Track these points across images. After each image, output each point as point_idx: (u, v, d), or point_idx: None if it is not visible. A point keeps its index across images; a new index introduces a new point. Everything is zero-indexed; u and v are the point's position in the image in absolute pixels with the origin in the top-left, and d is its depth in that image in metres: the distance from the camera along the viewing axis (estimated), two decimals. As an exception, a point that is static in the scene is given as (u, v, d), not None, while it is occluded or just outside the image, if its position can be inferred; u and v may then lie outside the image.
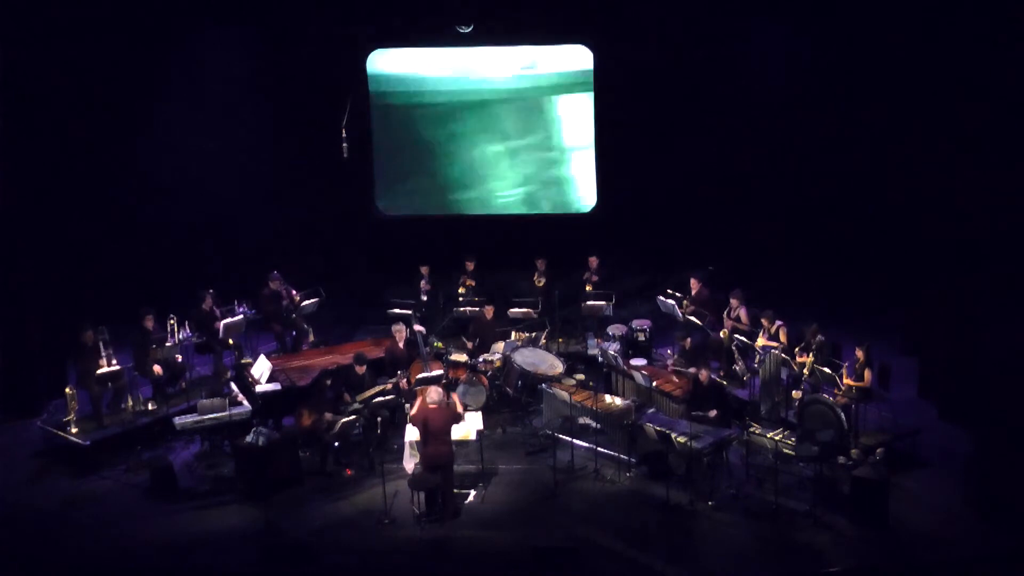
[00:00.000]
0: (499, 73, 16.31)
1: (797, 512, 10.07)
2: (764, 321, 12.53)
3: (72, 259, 13.89)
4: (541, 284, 14.71)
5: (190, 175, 15.96)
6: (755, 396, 12.26)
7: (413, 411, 10.59)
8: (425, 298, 14.76)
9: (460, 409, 10.76)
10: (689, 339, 12.98)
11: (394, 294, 14.68)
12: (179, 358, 12.92)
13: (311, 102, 15.94)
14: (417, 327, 12.87)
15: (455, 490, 10.52)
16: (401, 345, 12.71)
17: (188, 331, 13.02)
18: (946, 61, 11.66)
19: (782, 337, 12.36)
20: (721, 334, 12.99)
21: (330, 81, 15.87)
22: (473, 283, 14.77)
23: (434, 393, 10.52)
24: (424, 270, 14.98)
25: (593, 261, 14.86)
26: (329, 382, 11.58)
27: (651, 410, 11.87)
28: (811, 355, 11.70)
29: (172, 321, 12.83)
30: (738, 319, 12.97)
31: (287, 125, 16.14)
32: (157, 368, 12.37)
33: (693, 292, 13.65)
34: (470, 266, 14.94)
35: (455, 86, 16.41)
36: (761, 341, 12.40)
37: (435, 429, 10.18)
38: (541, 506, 10.56)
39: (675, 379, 12.40)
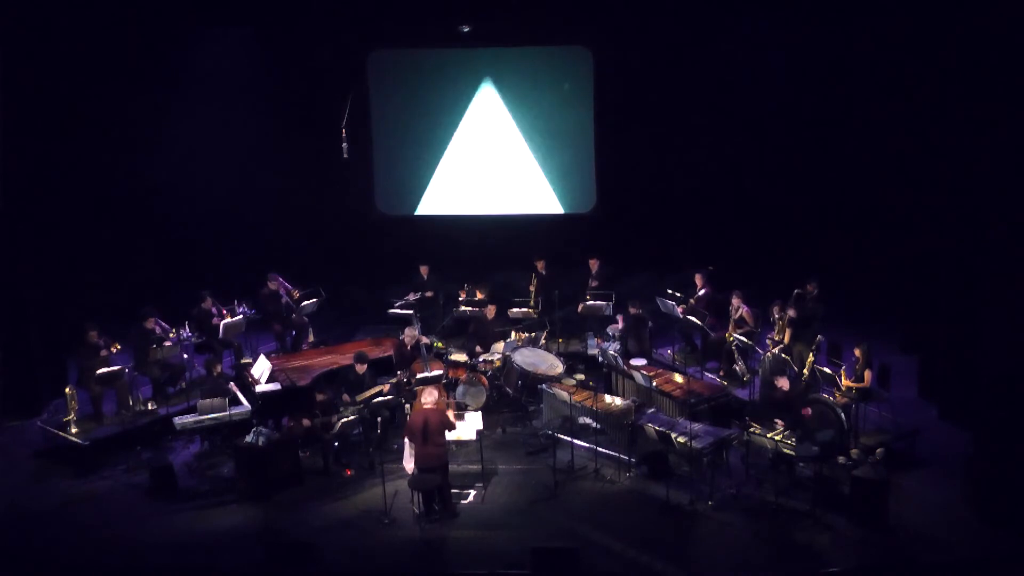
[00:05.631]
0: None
1: (797, 512, 10.08)
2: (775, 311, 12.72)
3: (72, 259, 13.91)
4: (535, 302, 14.53)
5: (190, 175, 16.00)
6: (755, 396, 12.26)
7: (410, 412, 10.59)
8: (419, 294, 14.67)
9: (452, 418, 10.76)
10: (639, 309, 13.27)
11: (394, 294, 14.68)
12: (186, 357, 12.90)
13: (311, 102, 15.96)
14: (424, 339, 12.86)
15: (453, 490, 10.52)
16: (409, 348, 12.70)
17: (188, 331, 13.03)
18: (946, 61, 11.67)
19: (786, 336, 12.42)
20: (727, 336, 12.99)
21: (330, 81, 15.89)
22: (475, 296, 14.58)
23: (429, 394, 10.52)
24: (423, 270, 14.94)
25: (594, 264, 14.84)
26: (321, 397, 11.59)
27: (651, 410, 11.87)
28: (811, 354, 11.73)
29: (174, 333, 12.84)
30: (741, 320, 12.97)
31: (287, 125, 16.16)
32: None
33: (698, 288, 13.67)
34: (479, 294, 14.45)
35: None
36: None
37: (430, 430, 10.18)
38: (541, 506, 10.55)
39: (675, 379, 12.39)
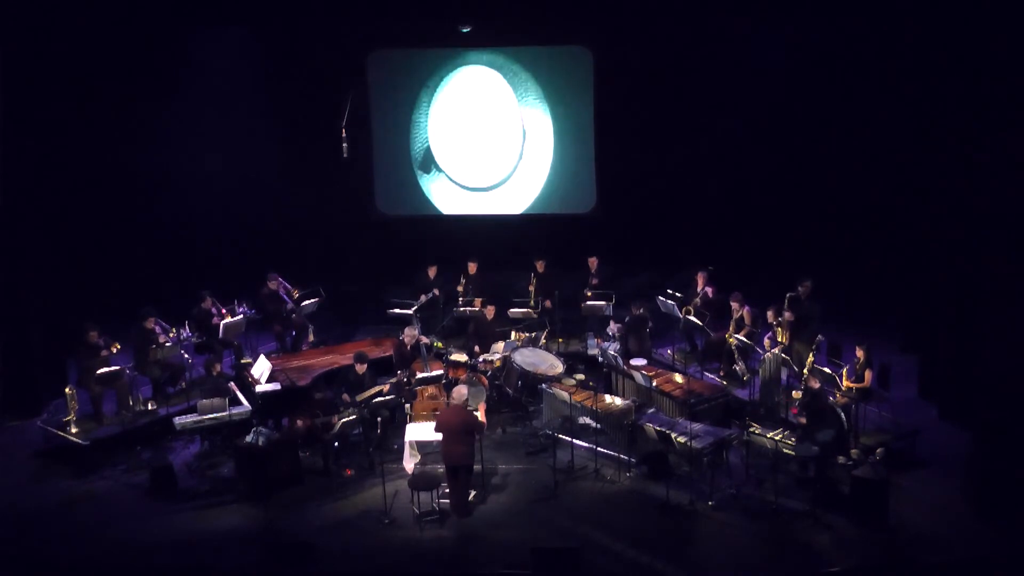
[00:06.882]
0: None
1: (797, 512, 10.08)
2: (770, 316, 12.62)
3: (72, 259, 13.90)
4: (535, 302, 14.54)
5: (190, 175, 16.00)
6: (755, 396, 12.26)
7: (438, 411, 10.62)
8: (429, 295, 14.66)
9: (481, 417, 10.71)
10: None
11: (394, 294, 14.67)
12: (186, 357, 12.92)
13: (311, 102, 15.95)
14: (424, 340, 12.86)
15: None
16: (409, 348, 12.69)
17: (188, 331, 13.03)
18: (947, 59, 11.66)
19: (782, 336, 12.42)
20: (727, 337, 12.98)
21: (330, 81, 15.88)
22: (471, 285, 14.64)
23: (457, 392, 10.52)
24: (431, 272, 14.90)
25: (593, 262, 14.84)
26: (319, 396, 11.59)
27: (651, 410, 11.88)
28: (811, 355, 11.73)
29: (174, 333, 12.84)
30: (741, 320, 12.97)
31: (287, 125, 16.15)
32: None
33: (699, 288, 13.67)
34: (472, 268, 14.86)
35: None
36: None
37: (452, 427, 10.18)
38: (541, 506, 10.56)
39: (675, 379, 12.39)
